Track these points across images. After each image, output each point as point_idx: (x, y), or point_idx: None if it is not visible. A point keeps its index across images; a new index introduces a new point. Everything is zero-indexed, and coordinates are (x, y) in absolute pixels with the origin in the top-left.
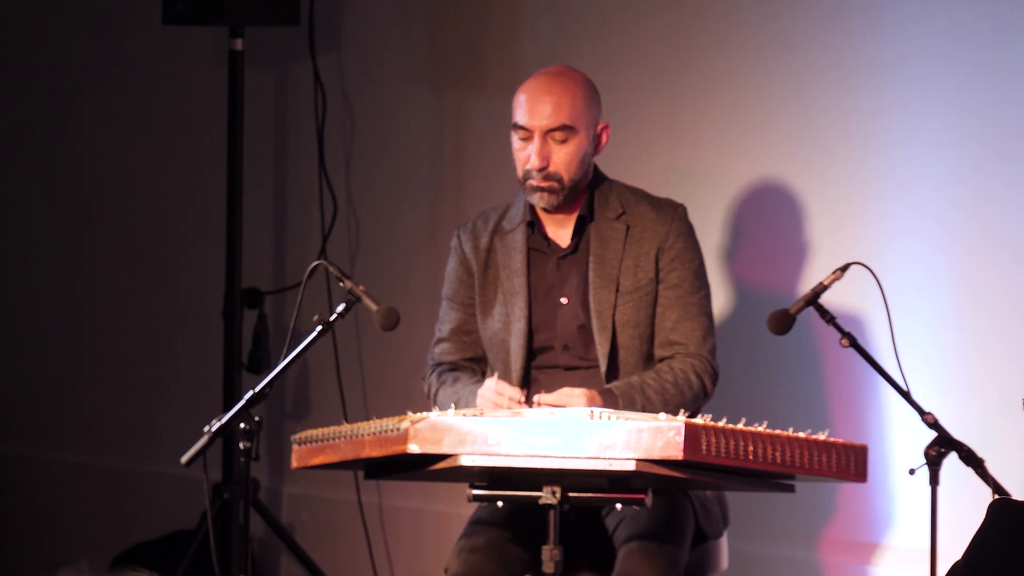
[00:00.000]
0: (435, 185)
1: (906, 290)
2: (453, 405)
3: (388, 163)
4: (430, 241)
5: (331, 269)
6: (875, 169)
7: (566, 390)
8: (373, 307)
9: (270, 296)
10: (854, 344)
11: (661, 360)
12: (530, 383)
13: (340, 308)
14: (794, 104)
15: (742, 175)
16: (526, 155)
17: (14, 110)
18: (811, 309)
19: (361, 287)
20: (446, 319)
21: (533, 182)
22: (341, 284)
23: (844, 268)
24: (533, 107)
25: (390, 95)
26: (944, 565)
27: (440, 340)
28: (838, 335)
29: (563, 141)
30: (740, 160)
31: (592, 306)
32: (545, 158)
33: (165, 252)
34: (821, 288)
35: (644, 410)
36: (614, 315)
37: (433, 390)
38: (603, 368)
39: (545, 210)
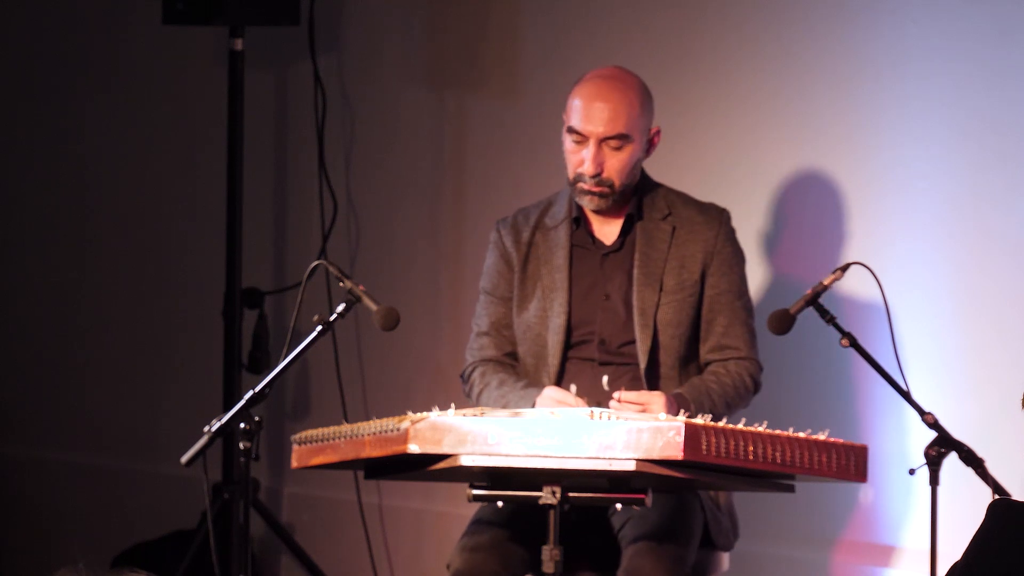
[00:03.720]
0: (435, 185)
1: (906, 290)
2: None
3: (388, 163)
4: (430, 241)
5: (331, 269)
6: (875, 169)
7: (645, 392)
8: (373, 307)
9: (270, 296)
10: (854, 344)
11: (711, 363)
12: (564, 378)
13: (340, 308)
14: (794, 105)
15: (741, 176)
16: (579, 159)
17: (14, 110)
18: (811, 309)
19: (361, 287)
20: (485, 313)
21: (584, 185)
22: (341, 284)
23: (844, 268)
24: (589, 113)
25: (390, 95)
26: (944, 565)
27: (480, 334)
28: (838, 335)
29: (618, 148)
30: (739, 161)
31: (635, 304)
32: (599, 165)
33: (165, 252)
34: (821, 288)
35: (711, 413)
36: (656, 314)
37: (476, 391)
38: (643, 366)
39: (593, 211)
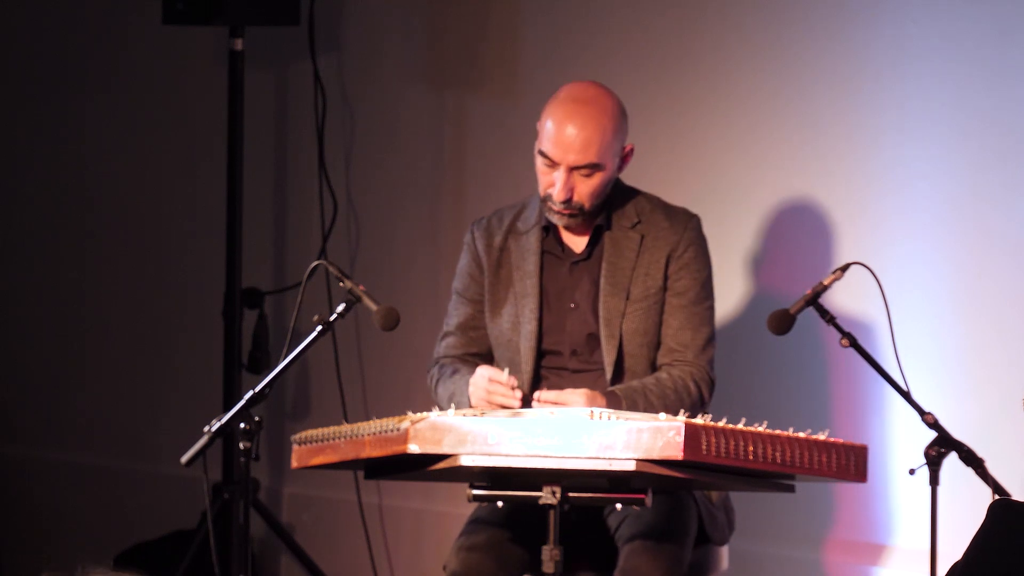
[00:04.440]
0: (435, 185)
1: (906, 290)
2: (453, 405)
3: (388, 163)
4: (430, 241)
5: (331, 269)
6: (875, 169)
7: (569, 390)
8: (373, 307)
9: (270, 296)
10: (854, 344)
11: (660, 367)
12: (539, 384)
13: (340, 308)
14: (794, 105)
15: (742, 175)
16: (550, 180)
17: (14, 110)
18: (811, 309)
19: (361, 287)
20: (454, 313)
21: (554, 207)
22: (341, 284)
23: (844, 268)
24: (560, 140)
25: (390, 95)
26: (944, 565)
27: (447, 334)
28: (838, 335)
29: (588, 176)
30: (740, 160)
31: (601, 313)
32: (569, 191)
33: (165, 252)
34: (821, 288)
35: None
36: (622, 323)
37: (434, 381)
38: (609, 375)
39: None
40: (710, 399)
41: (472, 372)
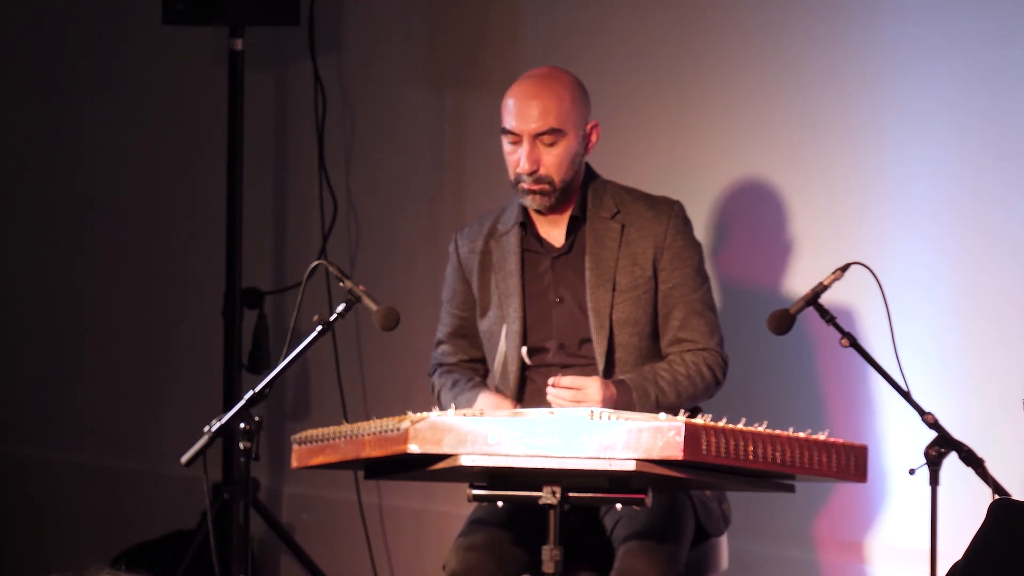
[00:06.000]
0: (435, 185)
1: (906, 290)
2: (453, 406)
3: (388, 163)
4: (430, 241)
5: (331, 269)
6: (875, 169)
7: (581, 377)
8: (373, 307)
9: (270, 296)
10: (854, 344)
11: (669, 356)
12: (525, 382)
13: (340, 308)
14: (794, 104)
15: (742, 175)
16: (516, 159)
17: (14, 110)
18: (811, 309)
19: (361, 287)
20: (444, 322)
21: (525, 185)
22: (341, 284)
23: (844, 268)
24: (520, 111)
25: (390, 95)
26: (944, 565)
27: (439, 342)
28: (838, 335)
29: (552, 144)
30: (740, 160)
31: (590, 305)
32: (535, 162)
33: (165, 252)
34: (821, 288)
35: (658, 401)
36: (611, 314)
37: (436, 389)
38: (600, 367)
39: (538, 211)
40: (725, 379)
41: (469, 380)
